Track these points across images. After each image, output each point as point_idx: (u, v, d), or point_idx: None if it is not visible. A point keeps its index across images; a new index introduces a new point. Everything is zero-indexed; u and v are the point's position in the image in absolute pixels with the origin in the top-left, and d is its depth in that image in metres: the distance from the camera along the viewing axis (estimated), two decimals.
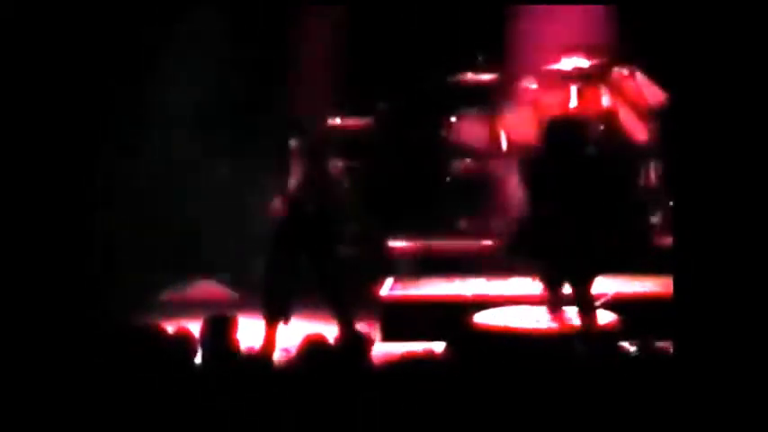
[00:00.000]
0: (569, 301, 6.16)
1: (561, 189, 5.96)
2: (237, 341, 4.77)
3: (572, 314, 6.20)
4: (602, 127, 7.81)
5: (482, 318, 6.29)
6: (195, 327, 4.69)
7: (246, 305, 7.04)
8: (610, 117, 7.97)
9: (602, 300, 6.49)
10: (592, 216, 6.01)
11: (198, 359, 4.59)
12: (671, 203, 7.74)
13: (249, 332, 5.76)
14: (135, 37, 8.23)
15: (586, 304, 6.03)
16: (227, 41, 8.37)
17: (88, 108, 8.06)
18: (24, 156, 7.63)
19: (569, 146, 6.04)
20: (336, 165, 6.82)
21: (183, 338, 4.55)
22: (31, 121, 7.72)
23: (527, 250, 6.19)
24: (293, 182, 6.63)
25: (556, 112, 6.58)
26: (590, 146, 6.14)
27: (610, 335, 6.03)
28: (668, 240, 7.60)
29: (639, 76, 8.01)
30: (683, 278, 4.31)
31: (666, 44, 7.88)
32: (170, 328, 4.77)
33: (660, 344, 4.11)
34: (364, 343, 4.38)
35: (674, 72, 7.79)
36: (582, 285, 6.02)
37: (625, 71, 8.03)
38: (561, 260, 6.03)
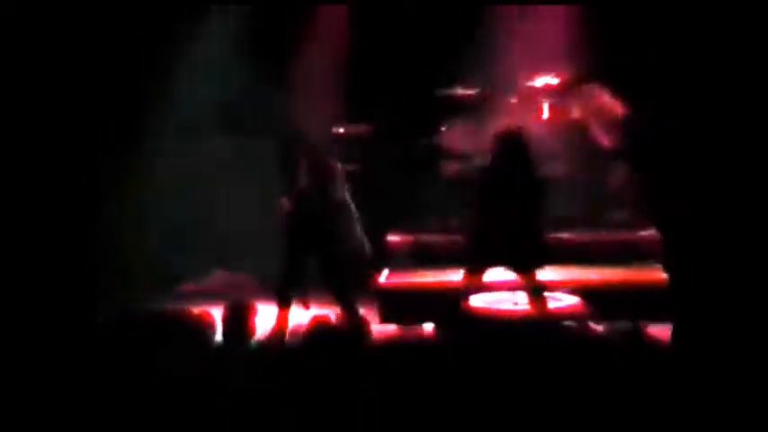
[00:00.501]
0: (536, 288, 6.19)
1: (507, 194, 6.09)
2: (254, 324, 4.78)
3: (547, 299, 6.23)
4: (570, 137, 7.89)
5: (468, 302, 6.29)
6: (217, 312, 4.69)
7: (261, 292, 7.02)
8: (578, 127, 8.01)
9: (564, 287, 6.55)
10: (532, 217, 6.10)
11: (219, 339, 4.59)
12: (635, 202, 7.83)
13: (264, 316, 5.75)
14: (138, 38, 8.04)
15: (537, 290, 6.09)
16: (236, 50, 8.28)
17: (102, 105, 7.83)
18: (44, 150, 7.41)
19: (513, 157, 6.14)
20: (339, 168, 6.81)
21: (206, 321, 4.54)
22: (43, 115, 7.43)
23: (482, 249, 6.24)
24: (301, 183, 6.63)
25: (509, 126, 6.65)
26: (530, 156, 6.15)
27: (571, 317, 6.08)
28: (634, 235, 7.70)
29: (603, 91, 8.04)
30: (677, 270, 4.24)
31: (627, 65, 8.00)
32: (194, 312, 4.77)
33: (626, 325, 4.10)
34: (365, 324, 4.38)
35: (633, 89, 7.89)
36: (530, 274, 6.09)
37: (591, 87, 8.06)
38: (511, 255, 6.10)
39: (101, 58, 7.78)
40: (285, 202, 6.59)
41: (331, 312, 6.06)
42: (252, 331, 4.74)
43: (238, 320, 4.74)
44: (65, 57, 7.52)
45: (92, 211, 7.75)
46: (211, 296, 7.02)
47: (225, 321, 4.72)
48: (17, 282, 6.78)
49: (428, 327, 4.78)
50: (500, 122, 7.69)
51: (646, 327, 3.93)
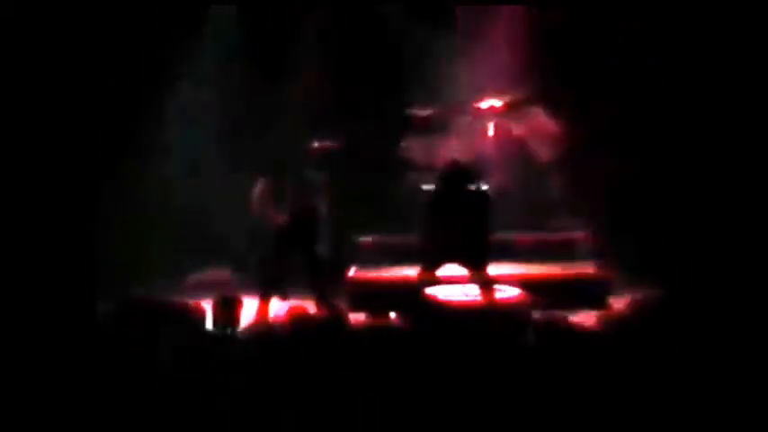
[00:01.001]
0: (485, 282, 6.22)
1: (456, 202, 6.21)
2: (240, 314, 4.76)
3: (494, 291, 6.27)
4: (513, 152, 7.96)
5: (427, 293, 6.32)
6: (208, 304, 4.67)
7: (247, 287, 6.99)
8: (520, 143, 8.06)
9: (509, 280, 6.60)
10: (478, 222, 6.20)
11: (210, 327, 4.56)
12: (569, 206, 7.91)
13: (249, 307, 5.73)
14: (138, 38, 7.75)
15: (486, 283, 6.13)
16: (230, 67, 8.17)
17: (102, 102, 7.48)
18: (54, 149, 6.99)
19: (458, 178, 6.26)
20: (314, 178, 6.81)
21: (197, 311, 4.53)
22: (49, 117, 6.94)
23: (436, 248, 6.30)
24: (286, 190, 6.65)
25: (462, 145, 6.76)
26: (472, 176, 6.30)
27: (515, 307, 6.13)
28: (568, 235, 7.77)
29: (541, 112, 8.10)
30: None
31: (562, 90, 8.08)
32: (186, 303, 4.74)
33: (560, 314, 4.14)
34: (343, 313, 4.38)
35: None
36: (481, 269, 6.14)
37: (531, 109, 8.12)
38: (462, 253, 6.16)
39: (101, 58, 7.44)
40: (278, 214, 6.60)
41: (306, 304, 6.06)
42: (238, 320, 4.73)
43: (226, 311, 4.72)
44: (67, 55, 7.05)
45: (91, 207, 7.49)
46: (203, 290, 6.98)
47: (214, 312, 4.71)
48: (19, 277, 6.49)
49: (391, 315, 4.79)
50: (452, 139, 7.78)
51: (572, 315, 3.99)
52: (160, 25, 7.86)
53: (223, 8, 8.33)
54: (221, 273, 8.11)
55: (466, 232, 6.20)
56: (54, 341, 3.61)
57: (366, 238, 7.89)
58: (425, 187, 6.84)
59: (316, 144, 8.23)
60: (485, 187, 6.54)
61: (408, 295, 6.07)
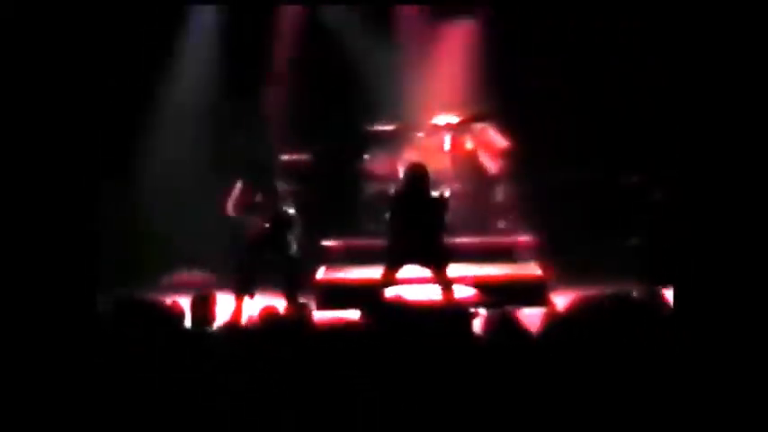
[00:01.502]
0: (444, 282, 6.17)
1: (415, 208, 6.14)
2: (215, 312, 4.69)
3: (452, 290, 6.24)
4: (465, 164, 7.98)
5: (388, 293, 6.26)
6: (185, 302, 4.57)
7: (221, 286, 6.88)
8: (471, 156, 8.08)
9: (464, 281, 6.59)
10: (436, 226, 6.15)
11: (187, 324, 4.47)
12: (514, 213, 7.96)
13: (223, 305, 5.65)
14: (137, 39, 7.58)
15: (446, 283, 6.09)
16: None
17: (100, 103, 7.21)
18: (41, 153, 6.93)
19: (418, 181, 6.20)
20: (285, 188, 6.75)
21: (176, 309, 4.44)
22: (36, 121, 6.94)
23: (397, 251, 6.24)
24: (257, 200, 6.56)
25: (419, 157, 6.72)
26: (429, 180, 6.23)
27: (468, 304, 6.11)
28: (514, 239, 7.81)
29: (491, 129, 8.14)
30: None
31: (510, 108, 8.14)
32: (166, 302, 4.64)
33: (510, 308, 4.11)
34: (308, 311, 4.32)
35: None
36: (439, 271, 6.09)
37: (482, 125, 8.15)
38: (422, 255, 6.13)
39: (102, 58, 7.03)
40: (251, 218, 6.50)
41: (274, 303, 5.97)
42: (213, 318, 4.67)
43: (203, 309, 4.66)
44: (65, 57, 6.99)
45: (91, 207, 7.25)
46: (183, 287, 6.86)
47: (192, 309, 4.63)
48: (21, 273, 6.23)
49: (355, 313, 4.74)
50: (411, 152, 7.76)
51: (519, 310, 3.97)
52: (158, 27, 7.68)
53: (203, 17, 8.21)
54: (197, 273, 8.02)
55: (425, 236, 6.14)
56: (54, 338, 3.44)
57: (332, 242, 7.82)
58: (389, 193, 6.79)
59: (286, 156, 8.20)
60: (444, 194, 6.49)
61: (371, 295, 6.01)
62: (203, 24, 8.25)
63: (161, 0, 7.89)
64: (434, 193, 6.26)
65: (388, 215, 6.45)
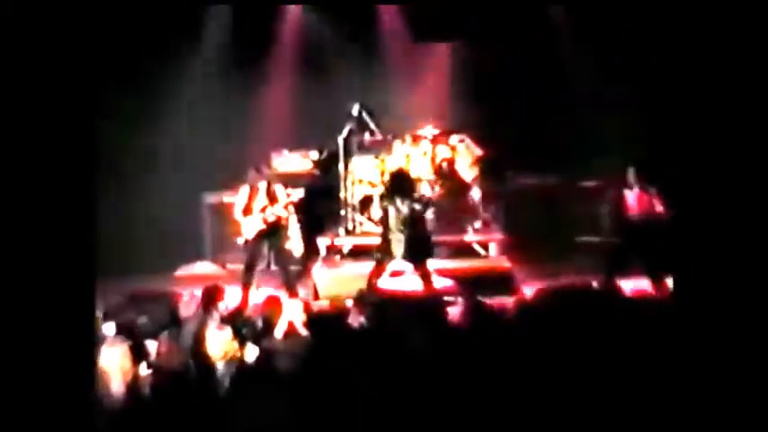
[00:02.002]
0: (424, 274, 6.19)
1: (398, 212, 6.11)
2: (223, 299, 4.71)
3: (432, 282, 6.26)
4: (444, 171, 7.99)
5: (378, 283, 6.29)
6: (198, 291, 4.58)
7: (228, 277, 6.88)
8: (450, 164, 8.09)
9: (442, 273, 6.61)
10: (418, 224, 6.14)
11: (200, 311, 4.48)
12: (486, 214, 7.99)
13: (232, 294, 5.64)
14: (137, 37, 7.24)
15: (426, 275, 6.09)
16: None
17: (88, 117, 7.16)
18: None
19: (401, 187, 6.19)
20: (285, 192, 6.76)
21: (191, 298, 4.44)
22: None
23: (386, 247, 6.23)
24: (259, 203, 6.57)
25: (404, 164, 6.72)
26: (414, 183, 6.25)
27: (447, 293, 6.14)
28: (486, 237, 7.84)
29: (467, 139, 8.16)
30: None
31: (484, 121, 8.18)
32: (184, 292, 4.65)
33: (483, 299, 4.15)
34: (306, 301, 4.34)
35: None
36: (421, 264, 6.09)
37: (459, 136, 8.18)
38: (406, 251, 6.12)
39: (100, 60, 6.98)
40: (256, 220, 6.50)
41: (277, 292, 5.99)
42: (221, 303, 4.67)
43: (213, 297, 4.67)
44: (64, 57, 6.55)
45: (92, 204, 7.01)
46: (191, 281, 6.84)
47: (203, 297, 4.63)
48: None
49: (349, 301, 4.76)
50: (396, 159, 7.77)
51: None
52: (161, 27, 7.38)
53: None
54: (206, 266, 7.99)
55: (410, 233, 6.15)
56: (55, 333, 3.06)
57: (327, 239, 7.83)
58: (377, 196, 6.80)
59: (283, 161, 8.20)
60: (425, 196, 6.51)
61: (362, 285, 6.03)
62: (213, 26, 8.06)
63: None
64: (416, 196, 6.29)
65: (376, 216, 6.46)
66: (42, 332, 2.78)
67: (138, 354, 3.71)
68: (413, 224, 6.13)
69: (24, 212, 2.82)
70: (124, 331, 3.97)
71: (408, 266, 6.31)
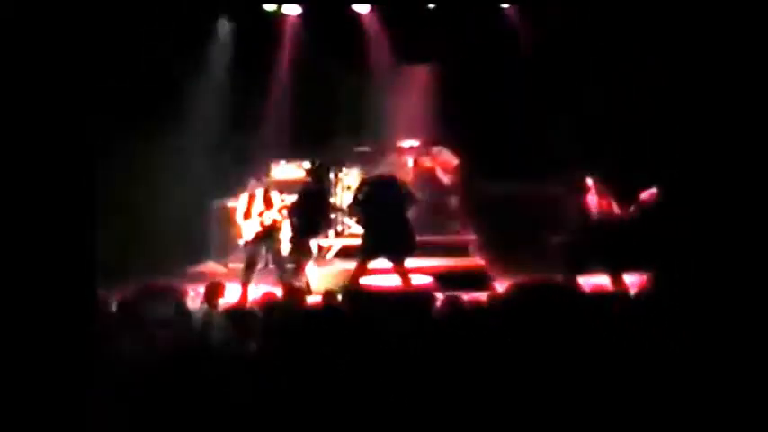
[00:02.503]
0: (404, 272, 6.15)
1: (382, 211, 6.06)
2: (224, 294, 4.66)
3: (411, 279, 6.23)
4: (425, 178, 7.99)
5: (364, 281, 6.25)
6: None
7: (230, 275, 6.82)
8: (430, 172, 8.10)
9: (420, 271, 6.58)
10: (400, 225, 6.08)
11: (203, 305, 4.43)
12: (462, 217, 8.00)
13: (232, 290, 5.60)
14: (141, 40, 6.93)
15: (404, 274, 6.06)
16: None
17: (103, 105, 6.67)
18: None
19: (384, 193, 6.14)
20: (281, 198, 6.72)
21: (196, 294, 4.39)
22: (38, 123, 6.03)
23: (368, 247, 6.19)
24: (257, 208, 6.54)
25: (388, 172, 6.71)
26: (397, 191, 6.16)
27: (427, 289, 6.10)
28: (463, 238, 7.84)
29: (445, 150, 8.17)
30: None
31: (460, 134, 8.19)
32: (189, 288, 4.61)
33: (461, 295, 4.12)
34: (300, 296, 4.30)
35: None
36: (399, 263, 6.06)
37: (437, 147, 8.19)
38: (388, 250, 6.08)
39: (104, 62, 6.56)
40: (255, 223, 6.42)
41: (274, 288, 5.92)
42: (221, 298, 4.62)
43: (215, 292, 4.63)
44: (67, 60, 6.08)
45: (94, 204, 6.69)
46: (200, 278, 6.77)
47: (206, 294, 4.59)
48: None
49: (338, 296, 4.73)
50: (382, 168, 7.76)
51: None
52: (167, 33, 7.16)
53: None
54: (213, 265, 7.94)
55: (392, 233, 6.10)
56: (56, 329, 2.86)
57: (318, 240, 7.78)
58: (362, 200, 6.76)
59: (279, 169, 8.17)
60: (406, 198, 6.47)
61: (348, 282, 5.99)
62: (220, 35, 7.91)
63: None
64: (397, 200, 6.24)
65: (361, 218, 6.43)
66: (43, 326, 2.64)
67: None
68: (394, 224, 6.09)
69: (28, 212, 2.67)
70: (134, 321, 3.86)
71: (389, 264, 6.27)
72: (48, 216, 2.68)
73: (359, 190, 6.48)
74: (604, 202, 6.18)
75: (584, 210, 6.26)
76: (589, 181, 6.24)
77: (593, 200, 6.26)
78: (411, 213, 6.32)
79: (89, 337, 2.81)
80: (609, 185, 6.18)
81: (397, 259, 6.11)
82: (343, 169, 8.14)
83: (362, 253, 6.26)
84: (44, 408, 2.56)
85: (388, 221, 6.10)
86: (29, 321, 2.66)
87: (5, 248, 2.63)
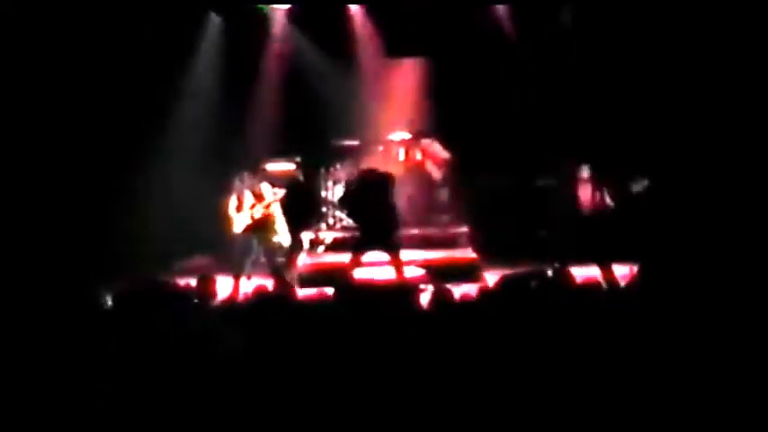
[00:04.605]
0: (397, 264, 6.14)
1: (373, 205, 6.00)
2: (216, 289, 4.62)
3: (404, 271, 6.21)
4: (415, 171, 7.98)
5: (356, 274, 6.23)
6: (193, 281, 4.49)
7: (221, 269, 6.77)
8: (420, 165, 8.08)
9: (413, 263, 6.57)
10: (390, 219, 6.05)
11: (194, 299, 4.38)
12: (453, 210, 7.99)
13: (223, 284, 5.55)
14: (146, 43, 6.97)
15: (399, 266, 6.03)
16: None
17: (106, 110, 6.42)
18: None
19: (375, 186, 6.07)
20: (272, 192, 6.67)
21: (187, 289, 4.35)
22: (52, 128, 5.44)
23: (361, 240, 6.15)
24: (248, 201, 6.50)
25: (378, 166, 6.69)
26: (386, 181, 6.07)
27: (417, 281, 6.09)
28: (453, 231, 7.83)
29: (435, 143, 8.15)
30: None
31: (450, 127, 8.17)
32: (179, 282, 4.55)
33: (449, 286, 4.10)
34: (291, 289, 4.27)
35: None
36: (395, 256, 6.03)
37: (427, 140, 8.16)
38: (380, 243, 6.04)
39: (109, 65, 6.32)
40: (245, 217, 6.40)
41: (265, 281, 5.90)
42: (215, 294, 4.59)
43: (205, 286, 4.59)
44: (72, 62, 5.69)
45: (95, 203, 6.49)
46: (189, 273, 6.72)
47: (197, 287, 4.55)
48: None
49: (330, 290, 4.71)
50: (372, 162, 7.73)
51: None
52: (166, 34, 7.18)
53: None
54: (203, 259, 7.88)
55: (384, 228, 6.08)
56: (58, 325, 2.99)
57: (309, 233, 7.74)
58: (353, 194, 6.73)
59: (270, 164, 8.13)
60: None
61: (341, 275, 5.97)
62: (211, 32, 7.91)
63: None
64: (388, 193, 6.21)
65: (354, 212, 6.40)
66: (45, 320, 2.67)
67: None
68: (386, 219, 6.07)
69: (28, 212, 2.63)
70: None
71: (382, 257, 6.25)
72: (48, 216, 2.66)
73: (349, 183, 6.44)
74: (597, 195, 6.18)
75: (576, 202, 6.25)
76: (584, 173, 6.24)
77: (585, 192, 6.26)
78: (401, 206, 6.29)
79: (85, 333, 2.83)
80: (603, 178, 6.18)
81: (391, 251, 6.08)
82: (334, 162, 8.10)
83: (355, 246, 6.23)
84: (44, 407, 2.56)
85: (378, 214, 6.07)
86: (28, 320, 2.70)
87: (6, 248, 2.61)
